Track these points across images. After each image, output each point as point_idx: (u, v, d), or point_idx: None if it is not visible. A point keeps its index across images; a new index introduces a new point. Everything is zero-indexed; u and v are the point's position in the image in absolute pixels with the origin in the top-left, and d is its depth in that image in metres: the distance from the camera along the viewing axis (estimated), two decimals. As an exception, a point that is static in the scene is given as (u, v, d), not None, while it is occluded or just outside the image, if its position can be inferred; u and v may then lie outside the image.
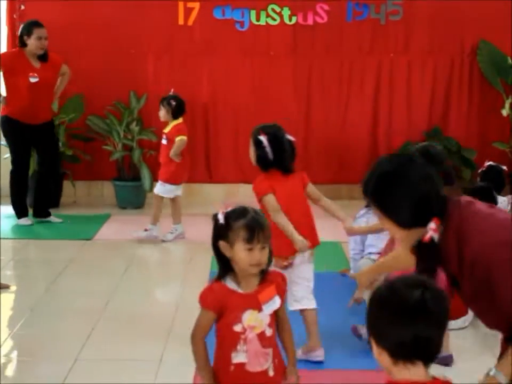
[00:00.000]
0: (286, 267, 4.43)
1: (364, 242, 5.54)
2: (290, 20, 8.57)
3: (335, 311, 5.19)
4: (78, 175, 8.56)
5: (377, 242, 5.23)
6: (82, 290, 5.83)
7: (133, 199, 8.46)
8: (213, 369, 3.01)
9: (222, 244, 2.95)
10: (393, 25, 8.58)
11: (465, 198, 2.68)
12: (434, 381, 2.12)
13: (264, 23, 8.58)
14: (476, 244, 2.52)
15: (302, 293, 4.51)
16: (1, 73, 7.41)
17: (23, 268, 6.62)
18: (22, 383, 4.30)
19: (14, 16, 8.52)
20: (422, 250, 2.61)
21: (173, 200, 7.23)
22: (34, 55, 7.37)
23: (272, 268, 3.14)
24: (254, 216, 2.95)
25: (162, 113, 7.16)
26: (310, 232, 4.55)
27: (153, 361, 4.54)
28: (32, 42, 7.30)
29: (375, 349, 2.11)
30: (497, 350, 2.87)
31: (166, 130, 7.13)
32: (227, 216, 2.94)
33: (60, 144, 8.11)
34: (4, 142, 7.84)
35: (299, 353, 4.52)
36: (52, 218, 7.75)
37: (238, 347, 2.95)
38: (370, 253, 5.40)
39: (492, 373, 2.61)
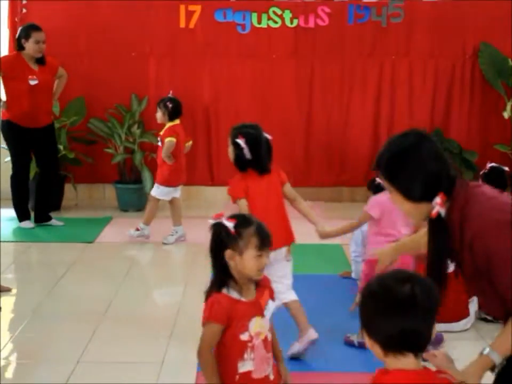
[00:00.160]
0: None
1: (365, 244, 5.54)
2: (291, 22, 8.56)
3: (336, 313, 5.19)
4: (80, 178, 8.56)
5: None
6: (84, 293, 5.84)
7: (135, 201, 8.45)
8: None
9: (229, 252, 2.94)
10: (394, 28, 8.57)
11: (474, 182, 2.75)
12: (425, 370, 2.20)
13: (265, 26, 8.56)
14: (475, 223, 2.57)
15: (280, 289, 4.51)
16: (1, 77, 7.41)
17: (25, 270, 6.62)
18: (23, 386, 4.31)
19: (16, 19, 8.50)
20: (431, 227, 2.67)
21: (171, 202, 7.23)
22: (32, 59, 7.37)
23: None
24: (260, 223, 3.00)
25: (159, 115, 7.19)
26: (285, 230, 4.60)
27: (155, 363, 4.54)
28: (30, 46, 7.30)
29: (368, 341, 2.20)
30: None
31: (162, 132, 7.16)
32: (236, 224, 2.95)
33: (62, 147, 8.11)
34: (4, 145, 7.84)
35: (297, 347, 4.56)
36: (53, 222, 7.74)
37: (245, 356, 2.95)
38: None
39: (485, 352, 2.58)
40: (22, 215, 7.64)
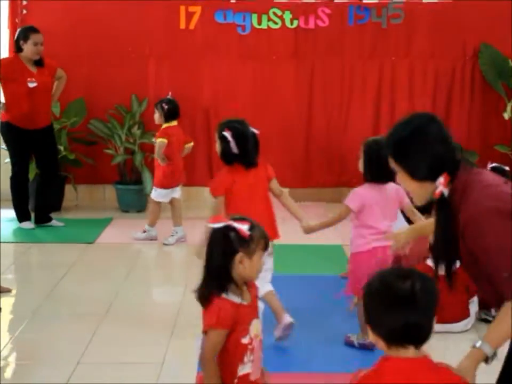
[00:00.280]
0: None
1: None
2: (291, 23, 8.55)
3: (337, 314, 5.18)
4: (80, 179, 8.55)
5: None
6: (84, 294, 5.84)
7: (135, 202, 8.46)
8: None
9: (240, 256, 2.90)
10: (394, 29, 8.56)
11: (478, 169, 2.81)
12: (425, 358, 2.30)
13: (265, 27, 8.56)
14: (469, 209, 2.63)
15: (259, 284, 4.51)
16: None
17: (25, 271, 6.64)
18: (23, 387, 4.31)
19: (16, 20, 8.51)
20: (436, 209, 2.76)
21: (171, 203, 7.23)
22: (30, 61, 7.37)
23: None
24: (259, 224, 3.00)
25: (156, 116, 7.23)
26: (270, 225, 4.62)
27: (155, 364, 4.54)
28: (28, 48, 7.30)
29: (371, 335, 2.32)
30: (503, 352, 2.87)
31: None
32: (250, 227, 2.92)
33: (62, 148, 8.11)
34: (4, 146, 7.84)
35: (276, 334, 4.69)
36: (54, 223, 7.74)
37: (245, 359, 2.93)
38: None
39: (477, 345, 2.61)
40: (22, 216, 7.64)
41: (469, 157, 8.32)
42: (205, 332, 2.90)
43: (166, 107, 7.14)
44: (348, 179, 8.70)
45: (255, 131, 4.80)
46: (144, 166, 8.24)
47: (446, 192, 2.68)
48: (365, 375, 2.31)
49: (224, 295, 2.90)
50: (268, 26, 8.56)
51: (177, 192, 7.25)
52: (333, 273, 6.20)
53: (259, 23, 8.56)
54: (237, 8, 8.55)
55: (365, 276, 4.81)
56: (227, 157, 4.73)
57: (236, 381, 2.94)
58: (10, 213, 7.74)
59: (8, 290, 5.79)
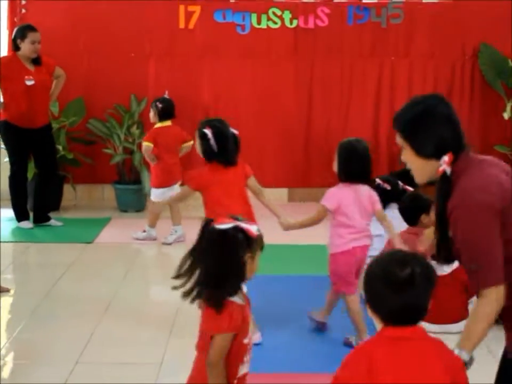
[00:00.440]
0: None
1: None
2: (291, 23, 8.53)
3: (337, 314, 5.15)
4: (79, 179, 8.54)
5: (379, 245, 5.22)
6: (83, 294, 5.83)
7: (134, 202, 8.44)
8: None
9: (248, 256, 2.87)
10: (394, 29, 8.55)
11: (484, 157, 2.86)
12: (419, 328, 2.41)
13: (265, 27, 8.54)
14: (457, 195, 2.69)
15: None
16: None
17: (23, 271, 6.62)
18: (22, 387, 4.29)
19: (15, 19, 8.48)
20: (438, 187, 2.83)
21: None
22: (28, 59, 7.36)
23: None
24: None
25: (151, 115, 7.27)
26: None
27: (154, 365, 4.53)
28: (26, 46, 7.30)
29: (370, 312, 2.45)
30: (499, 353, 2.86)
31: None
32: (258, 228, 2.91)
33: (61, 147, 8.10)
34: (2, 145, 7.83)
35: None
36: (52, 222, 7.72)
37: (245, 358, 2.93)
38: (370, 256, 5.39)
39: (455, 353, 2.58)
40: (20, 215, 7.64)
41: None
42: (214, 335, 2.84)
43: (160, 106, 7.17)
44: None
45: (235, 131, 4.93)
46: (143, 166, 8.20)
47: (448, 171, 2.75)
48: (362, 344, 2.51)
49: (231, 298, 2.87)
50: (267, 26, 8.55)
51: (174, 191, 7.22)
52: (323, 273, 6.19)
53: (258, 23, 8.54)
54: (236, 8, 8.53)
55: (348, 275, 4.87)
56: (207, 155, 4.86)
57: (235, 381, 2.93)
58: (8, 213, 7.74)
59: (7, 290, 5.78)
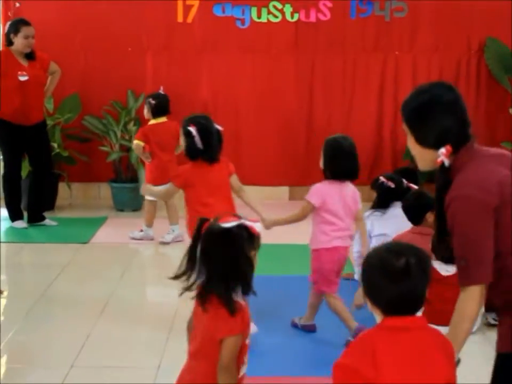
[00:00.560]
0: None
1: (368, 245, 5.43)
2: (292, 17, 8.45)
3: (331, 315, 5.02)
4: (74, 177, 8.47)
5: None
6: (79, 295, 5.82)
7: (130, 201, 8.35)
8: None
9: (253, 254, 2.86)
10: (398, 22, 8.46)
11: (489, 150, 2.88)
12: (421, 318, 2.47)
13: (265, 21, 8.46)
14: (455, 188, 2.72)
15: None
16: None
17: (17, 272, 6.59)
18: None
19: (9, 14, 8.41)
20: (437, 177, 2.89)
21: (166, 201, 7.08)
22: (21, 54, 7.29)
23: None
24: None
25: (145, 111, 7.21)
26: None
27: (151, 368, 4.51)
28: (19, 41, 7.22)
29: (370, 306, 2.47)
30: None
31: None
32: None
33: (56, 145, 8.04)
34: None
35: None
36: (47, 222, 7.66)
37: (245, 359, 2.91)
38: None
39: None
40: (14, 215, 7.58)
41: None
42: (227, 337, 2.78)
43: (153, 102, 7.10)
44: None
45: (219, 128, 4.99)
46: (140, 164, 8.15)
47: (446, 162, 2.77)
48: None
49: (235, 297, 2.83)
50: (268, 19, 8.47)
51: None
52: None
53: (259, 17, 8.47)
54: (236, 2, 8.46)
55: (330, 273, 4.82)
56: (191, 153, 4.89)
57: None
58: (2, 212, 7.71)
59: (0, 292, 5.72)
